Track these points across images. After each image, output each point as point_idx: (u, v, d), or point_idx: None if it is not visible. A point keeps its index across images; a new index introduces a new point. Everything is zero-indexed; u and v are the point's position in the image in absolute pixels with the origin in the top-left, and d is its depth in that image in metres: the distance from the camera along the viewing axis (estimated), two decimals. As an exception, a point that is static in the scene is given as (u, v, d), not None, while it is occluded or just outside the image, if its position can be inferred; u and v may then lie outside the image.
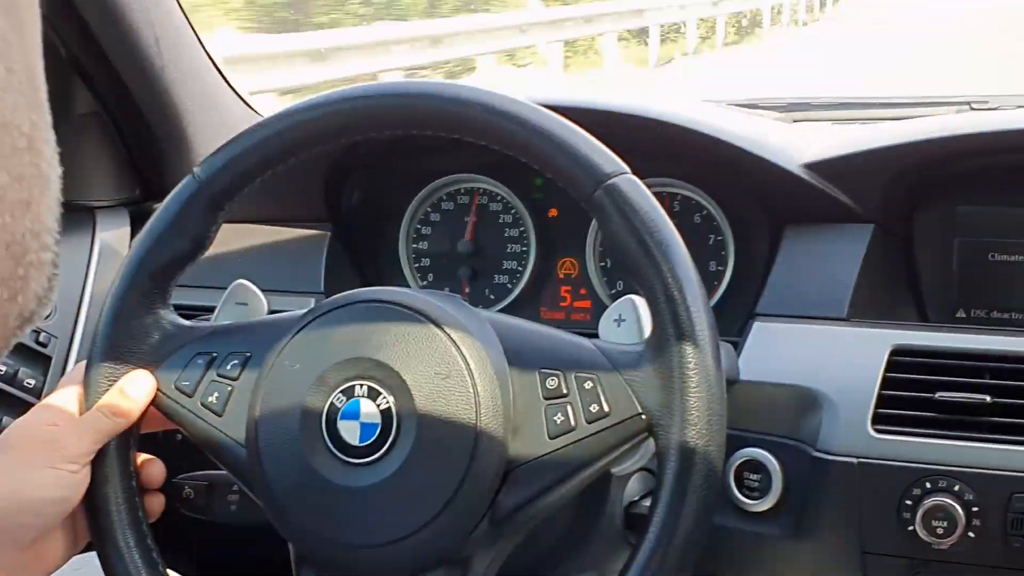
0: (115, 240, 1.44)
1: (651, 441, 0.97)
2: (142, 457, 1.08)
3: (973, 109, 1.50)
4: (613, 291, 1.37)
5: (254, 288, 1.11)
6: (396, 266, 1.45)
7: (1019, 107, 1.49)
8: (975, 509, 1.10)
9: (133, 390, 1.03)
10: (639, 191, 0.94)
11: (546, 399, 0.96)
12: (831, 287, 1.26)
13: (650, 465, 1.07)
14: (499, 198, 1.44)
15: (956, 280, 1.33)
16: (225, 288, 1.13)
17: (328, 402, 0.97)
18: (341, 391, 0.97)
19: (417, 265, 1.45)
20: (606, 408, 0.95)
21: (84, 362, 1.07)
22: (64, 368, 1.36)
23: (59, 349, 1.36)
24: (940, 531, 1.09)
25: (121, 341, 1.05)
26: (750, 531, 1.17)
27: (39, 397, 1.34)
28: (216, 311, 1.11)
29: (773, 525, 1.15)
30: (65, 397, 1.04)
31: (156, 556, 1.03)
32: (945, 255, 1.33)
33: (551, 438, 0.95)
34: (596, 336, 1.01)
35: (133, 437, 1.04)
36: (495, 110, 0.99)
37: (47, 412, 1.04)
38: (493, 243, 1.44)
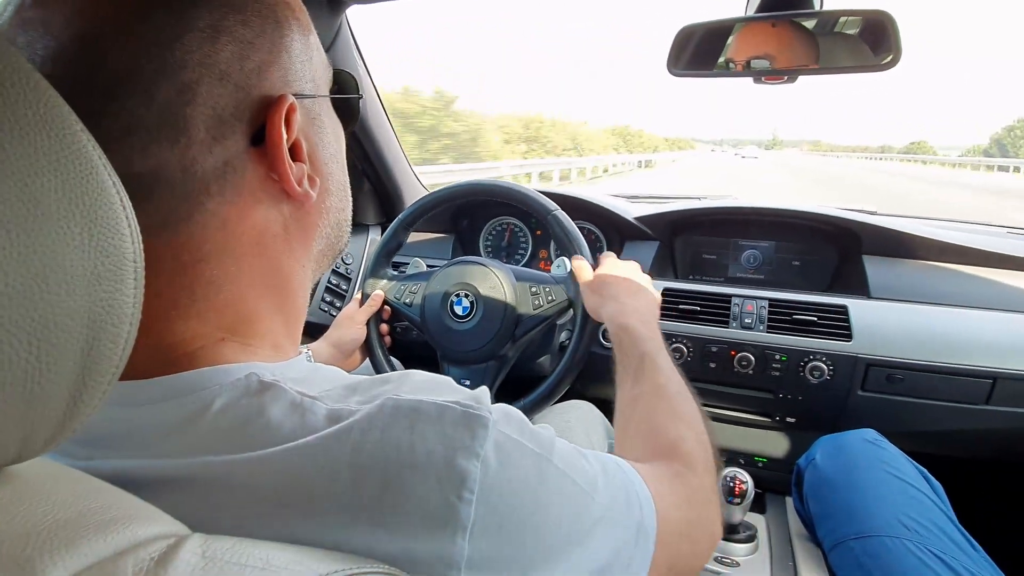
0: (375, 235, 1.44)
1: (571, 311, 0.98)
2: (382, 322, 1.09)
3: (701, 199, 1.47)
4: (558, 258, 1.40)
5: (421, 261, 1.13)
6: (478, 251, 1.44)
7: (722, 198, 1.45)
8: (691, 348, 1.11)
9: (377, 298, 1.05)
10: (564, 216, 0.97)
11: (531, 295, 0.98)
12: (641, 264, 1.18)
13: (569, 326, 1.07)
14: (518, 226, 1.43)
15: (689, 264, 1.32)
16: (412, 258, 1.15)
17: (450, 298, 1.01)
18: (454, 294, 1.00)
19: (487, 250, 1.44)
20: (553, 297, 0.97)
21: (360, 291, 1.09)
22: (355, 284, 1.37)
23: (353, 275, 1.37)
24: (677, 356, 1.11)
25: (373, 279, 1.08)
26: (603, 354, 1.12)
27: (345, 293, 1.36)
28: (408, 268, 1.12)
29: (613, 351, 1.17)
30: (354, 303, 1.07)
31: (389, 355, 1.07)
32: (685, 254, 1.33)
33: (534, 309, 0.98)
34: (550, 273, 1.02)
35: (378, 314, 1.06)
36: (513, 190, 1.01)
37: (350, 307, 1.07)
38: (516, 243, 1.43)
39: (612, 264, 0.90)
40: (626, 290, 0.84)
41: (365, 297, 1.07)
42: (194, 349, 0.35)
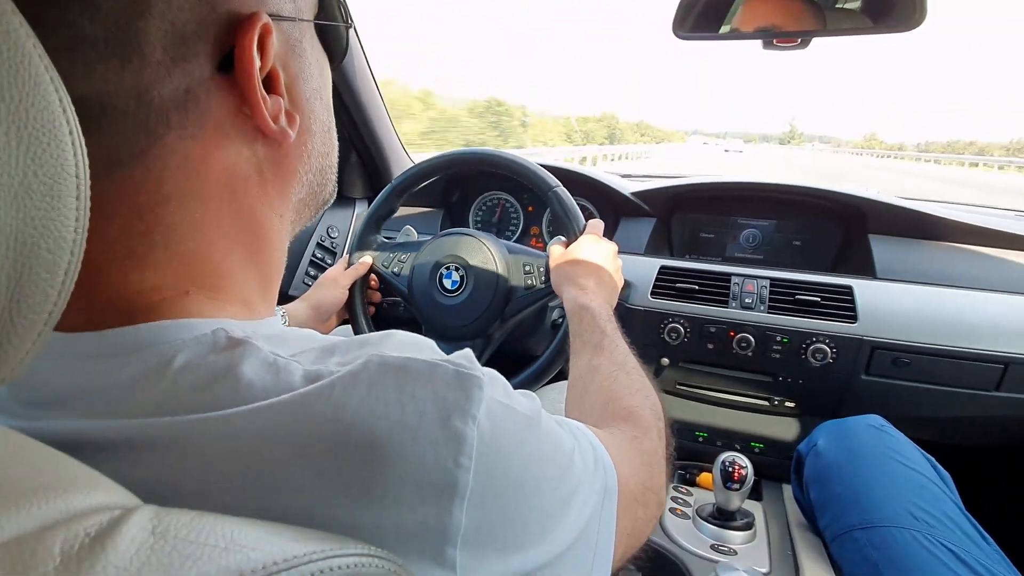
0: (362, 209, 1.38)
1: None
2: (369, 290, 1.05)
3: (699, 176, 1.43)
4: (554, 236, 1.35)
5: (412, 229, 1.07)
6: (467, 225, 1.38)
7: (722, 174, 1.39)
8: (688, 329, 1.06)
9: (364, 263, 1.00)
10: (565, 193, 0.90)
11: (524, 273, 0.92)
12: (637, 242, 1.21)
13: (562, 305, 1.01)
14: (510, 202, 1.37)
15: (686, 242, 1.28)
16: (404, 226, 1.09)
17: (439, 270, 0.94)
18: (444, 266, 0.94)
19: (476, 225, 1.38)
20: (547, 277, 0.90)
21: (347, 254, 1.03)
22: (338, 257, 1.30)
23: (339, 249, 1.31)
24: (673, 336, 1.06)
25: (361, 246, 1.02)
26: None
27: (327, 265, 1.29)
28: (398, 236, 1.07)
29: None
30: (340, 265, 1.01)
31: (372, 326, 1.01)
32: (682, 232, 1.28)
33: (525, 288, 0.92)
34: (545, 251, 0.94)
35: (364, 281, 1.01)
36: (515, 162, 0.94)
37: (334, 268, 1.00)
38: (507, 219, 1.37)
39: (584, 247, 0.85)
40: (590, 274, 0.81)
41: (350, 265, 1.02)
42: (154, 301, 0.31)
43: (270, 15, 0.32)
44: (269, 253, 0.37)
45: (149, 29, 0.28)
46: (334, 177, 0.42)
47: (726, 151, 48.76)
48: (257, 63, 0.31)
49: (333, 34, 0.40)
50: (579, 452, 0.37)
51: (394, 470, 0.26)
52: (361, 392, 0.27)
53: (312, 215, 0.42)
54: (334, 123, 0.42)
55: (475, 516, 0.28)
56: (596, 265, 0.82)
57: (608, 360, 0.63)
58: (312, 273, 1.28)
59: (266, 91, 0.33)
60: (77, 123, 0.21)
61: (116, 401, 0.28)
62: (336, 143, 0.42)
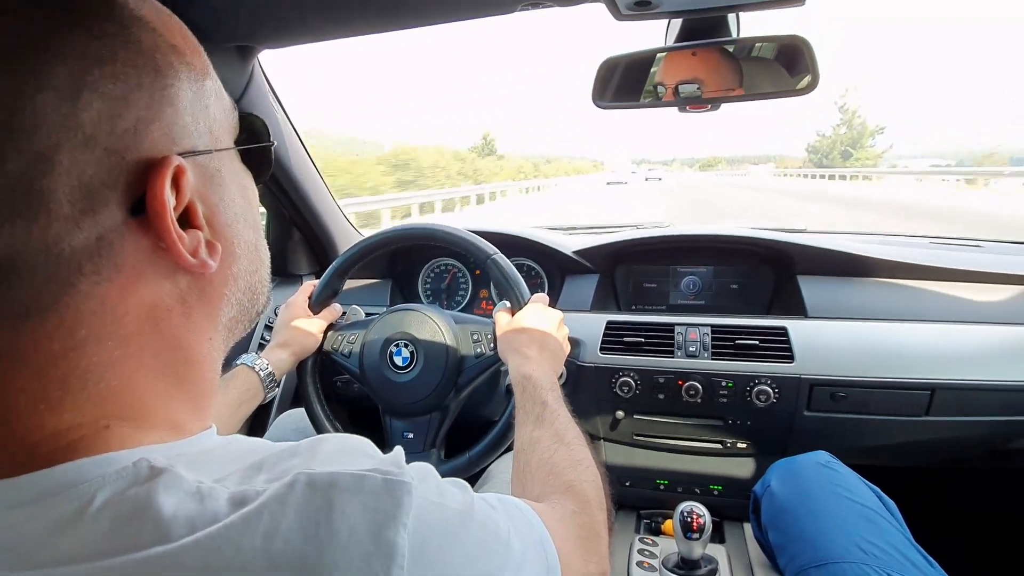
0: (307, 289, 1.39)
1: None
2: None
3: (640, 228, 1.46)
4: (500, 301, 1.37)
5: (359, 308, 1.08)
6: (417, 295, 1.39)
7: (656, 226, 1.45)
8: (638, 381, 1.09)
9: (334, 310, 1.02)
10: (504, 260, 0.92)
11: (473, 342, 0.94)
12: (583, 298, 1.24)
13: None
14: (459, 268, 1.39)
15: (630, 295, 1.32)
16: (349, 305, 1.09)
17: (389, 348, 0.95)
18: (394, 344, 0.95)
19: (426, 294, 1.40)
20: (496, 343, 0.91)
21: (308, 283, 1.04)
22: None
23: None
24: (625, 389, 1.09)
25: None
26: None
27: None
28: (346, 314, 1.06)
29: (566, 389, 1.05)
30: (303, 297, 1.01)
31: (331, 414, 1.01)
32: (626, 285, 1.32)
33: (476, 356, 0.94)
34: (491, 317, 0.96)
35: (316, 369, 1.01)
36: (451, 234, 0.96)
37: (301, 307, 1.00)
38: (455, 285, 1.39)
39: (529, 314, 0.87)
40: (533, 343, 0.83)
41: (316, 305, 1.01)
42: (72, 440, 0.30)
43: (184, 152, 0.33)
44: (199, 375, 0.36)
45: (55, 186, 0.28)
46: (265, 289, 0.43)
47: (608, 183, 38.57)
48: (171, 203, 0.32)
49: (256, 153, 0.41)
50: (516, 534, 0.38)
51: None
52: (290, 518, 0.28)
53: (245, 329, 0.42)
54: (262, 237, 0.42)
55: None
56: (541, 333, 0.84)
57: (549, 432, 0.66)
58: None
59: (184, 225, 0.33)
60: None
61: (37, 550, 0.27)
62: (264, 258, 0.43)
